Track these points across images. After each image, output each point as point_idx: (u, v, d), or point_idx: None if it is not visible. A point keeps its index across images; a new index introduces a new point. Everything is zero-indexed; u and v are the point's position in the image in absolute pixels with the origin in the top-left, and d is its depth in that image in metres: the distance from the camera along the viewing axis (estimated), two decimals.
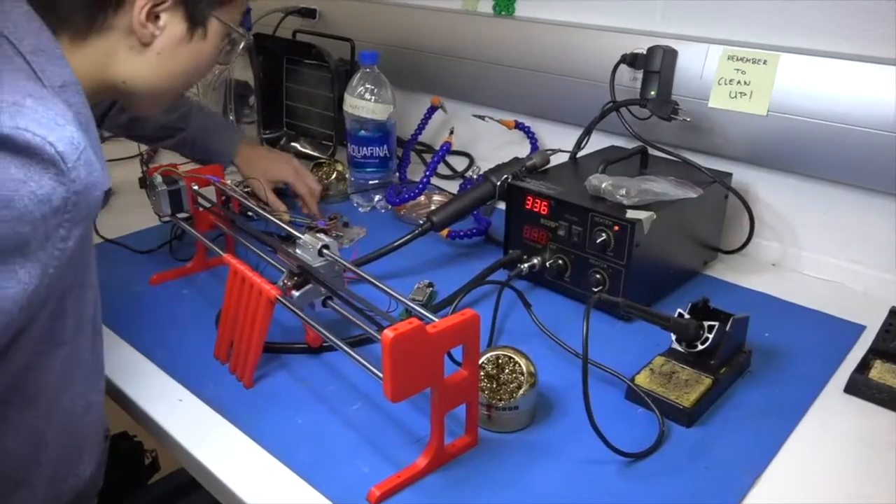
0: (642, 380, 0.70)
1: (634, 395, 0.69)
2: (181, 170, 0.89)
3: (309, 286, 0.70)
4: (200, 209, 0.90)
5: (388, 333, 0.53)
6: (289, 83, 1.32)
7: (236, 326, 0.72)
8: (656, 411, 0.66)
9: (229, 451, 0.63)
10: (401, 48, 1.29)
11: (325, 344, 0.76)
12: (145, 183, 1.01)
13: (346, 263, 0.72)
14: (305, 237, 0.72)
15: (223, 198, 0.91)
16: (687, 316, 0.71)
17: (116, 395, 0.73)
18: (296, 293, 0.69)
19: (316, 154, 1.28)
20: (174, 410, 0.68)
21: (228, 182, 0.92)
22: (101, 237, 1.02)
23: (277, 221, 0.79)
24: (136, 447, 1.06)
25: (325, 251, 0.71)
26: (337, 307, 0.70)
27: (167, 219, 0.89)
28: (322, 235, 0.73)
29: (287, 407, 0.69)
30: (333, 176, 1.15)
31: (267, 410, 0.68)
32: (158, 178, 0.86)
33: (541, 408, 0.68)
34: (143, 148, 1.38)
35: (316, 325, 0.67)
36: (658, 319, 0.67)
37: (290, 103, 1.33)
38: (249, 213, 1.00)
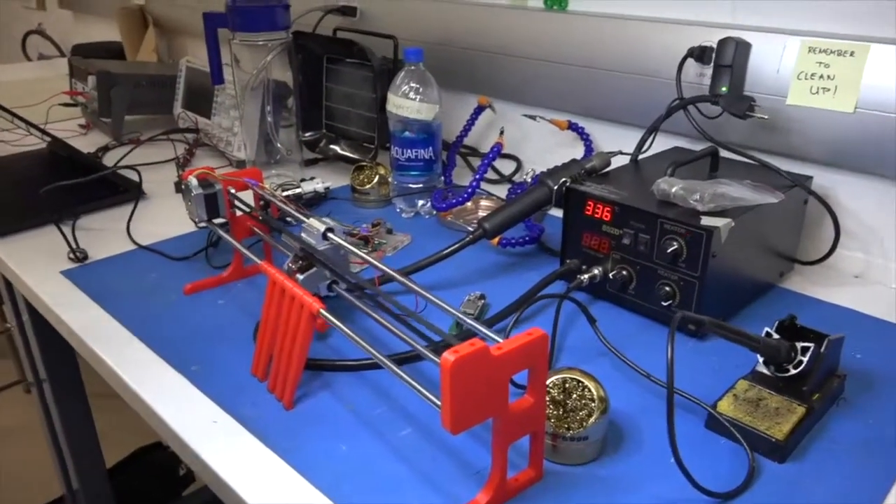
0: (725, 407, 0.62)
1: (717, 424, 0.61)
2: (218, 173, 0.84)
3: (314, 269, 0.69)
4: (237, 214, 0.85)
5: (449, 357, 0.46)
6: (329, 83, 1.27)
7: (275, 341, 0.67)
8: (744, 444, 0.59)
9: (268, 481, 0.57)
10: (445, 46, 1.22)
11: (369, 360, 0.69)
12: (180, 187, 0.97)
13: (393, 274, 0.66)
14: (310, 220, 0.72)
15: (261, 202, 0.85)
16: (775, 335, 0.63)
17: (147, 413, 0.67)
18: (300, 276, 0.68)
19: (357, 157, 1.22)
20: (209, 433, 0.62)
21: (267, 186, 0.86)
22: (136, 244, 0.97)
23: (350, 247, 0.73)
24: (170, 458, 1.01)
25: (328, 234, 0.71)
26: (342, 291, 0.68)
27: (203, 224, 0.83)
28: (327, 220, 0.73)
29: (330, 431, 0.62)
30: (375, 180, 1.09)
31: (308, 435, 0.62)
32: (194, 182, 0.81)
33: (611, 437, 0.61)
34: (180, 151, 1.34)
35: (360, 341, 0.60)
36: (746, 340, 0.59)
37: (329, 104, 1.28)
38: (289, 219, 0.95)
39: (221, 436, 0.62)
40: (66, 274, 0.90)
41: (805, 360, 0.62)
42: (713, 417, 0.61)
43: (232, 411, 0.65)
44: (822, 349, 0.62)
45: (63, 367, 1.22)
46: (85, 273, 0.90)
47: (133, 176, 1.11)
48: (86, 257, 0.93)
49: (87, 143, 1.40)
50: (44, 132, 1.29)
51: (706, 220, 0.72)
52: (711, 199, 0.73)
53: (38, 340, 1.19)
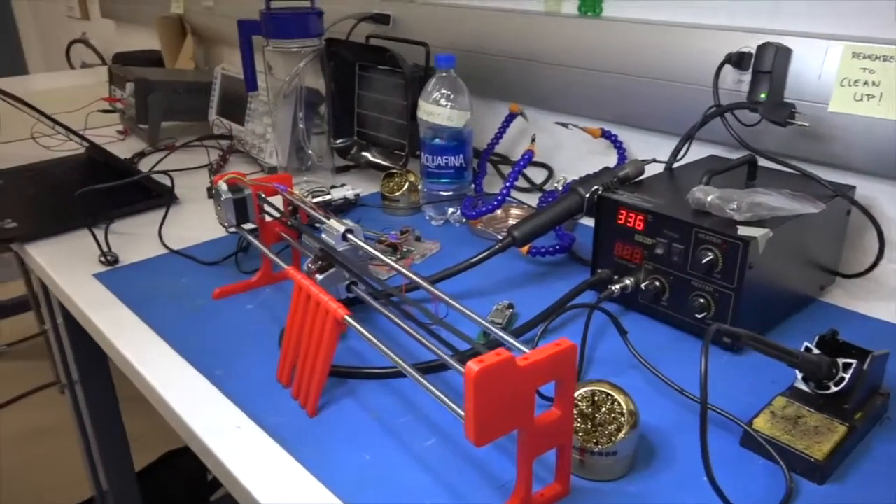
0: (762, 424, 0.60)
1: (753, 442, 0.59)
2: (248, 178, 0.84)
3: (332, 270, 0.69)
4: (267, 220, 0.85)
5: (473, 366, 0.45)
6: (361, 90, 1.27)
7: (300, 347, 0.66)
8: (782, 463, 0.56)
9: (289, 488, 0.56)
10: (478, 53, 1.22)
11: (394, 368, 0.68)
12: (212, 193, 0.97)
13: (419, 281, 0.65)
14: (330, 221, 0.74)
15: (290, 208, 0.85)
16: (816, 351, 0.61)
17: (170, 416, 0.67)
18: (319, 276, 0.69)
19: (388, 164, 1.22)
20: (231, 438, 0.62)
21: (296, 192, 0.86)
22: (167, 248, 0.98)
23: (370, 249, 0.73)
24: (199, 463, 1.02)
25: (348, 235, 0.72)
26: (361, 293, 0.69)
27: (233, 229, 0.84)
28: (348, 221, 0.74)
29: (354, 440, 0.61)
30: (405, 187, 1.09)
31: (332, 443, 0.61)
32: (224, 186, 0.81)
33: (642, 453, 0.59)
34: (213, 158, 1.36)
35: (385, 349, 0.59)
36: (784, 355, 0.57)
37: (361, 111, 1.28)
38: (318, 225, 0.94)
39: (244, 441, 0.61)
40: (99, 277, 0.91)
41: (847, 377, 0.59)
42: (749, 435, 0.59)
43: (255, 417, 0.64)
44: (866, 366, 0.59)
45: (94, 370, 1.23)
46: (116, 276, 0.91)
47: (166, 181, 1.12)
48: (116, 261, 0.94)
49: (124, 149, 1.42)
50: (82, 138, 1.31)
51: (743, 230, 0.69)
52: (749, 208, 0.71)
53: (70, 343, 1.21)
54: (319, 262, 0.69)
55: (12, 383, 2.19)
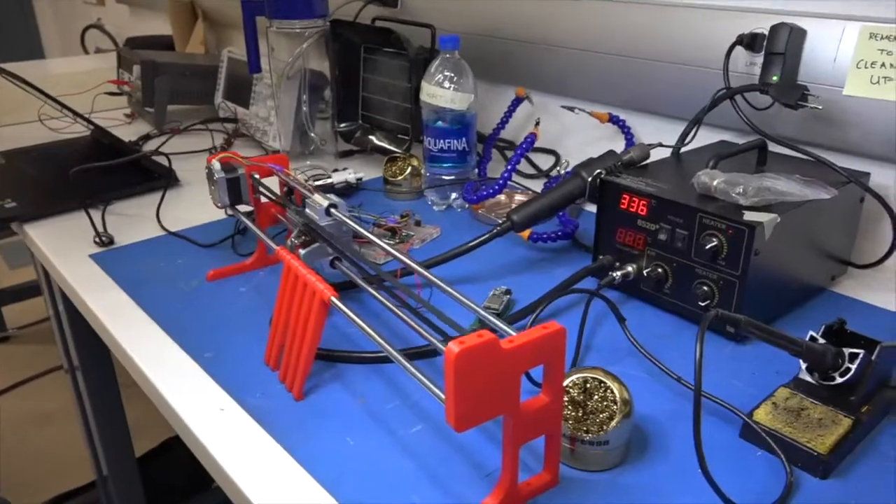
0: (763, 416, 0.57)
1: (752, 434, 0.56)
2: (244, 159, 0.83)
3: (316, 245, 0.68)
4: (263, 201, 0.83)
5: (453, 347, 0.43)
6: (366, 73, 1.25)
7: (287, 329, 0.64)
8: (782, 456, 0.54)
9: (268, 472, 0.55)
10: (486, 37, 1.19)
11: (381, 353, 0.67)
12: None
13: (413, 265, 0.63)
14: (314, 196, 0.71)
15: (285, 189, 0.83)
16: (821, 340, 0.58)
17: (155, 396, 0.66)
18: (302, 251, 0.68)
19: (392, 148, 1.20)
20: (214, 420, 0.61)
21: (292, 173, 0.84)
22: (165, 229, 0.97)
23: (354, 225, 0.71)
24: None
25: (332, 210, 0.70)
26: (345, 269, 0.68)
27: (229, 212, 0.82)
28: (332, 196, 0.72)
29: (338, 424, 0.60)
30: (407, 171, 1.07)
31: (315, 427, 0.59)
32: (217, 166, 0.79)
33: (635, 443, 0.57)
34: (218, 141, 1.35)
35: (370, 331, 0.58)
36: (787, 343, 0.54)
37: (366, 95, 1.26)
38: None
39: (226, 423, 0.60)
40: (94, 258, 0.90)
41: (854, 367, 0.56)
42: (748, 426, 0.57)
43: (240, 400, 0.63)
44: (874, 356, 0.57)
45: (95, 355, 1.23)
46: (112, 257, 0.90)
47: (168, 163, 1.11)
48: (111, 241, 0.93)
49: (130, 132, 1.42)
50: (86, 120, 1.30)
51: (749, 215, 0.67)
52: (756, 192, 0.68)
53: (71, 327, 1.20)
54: (303, 238, 0.68)
55: (22, 367, 2.21)
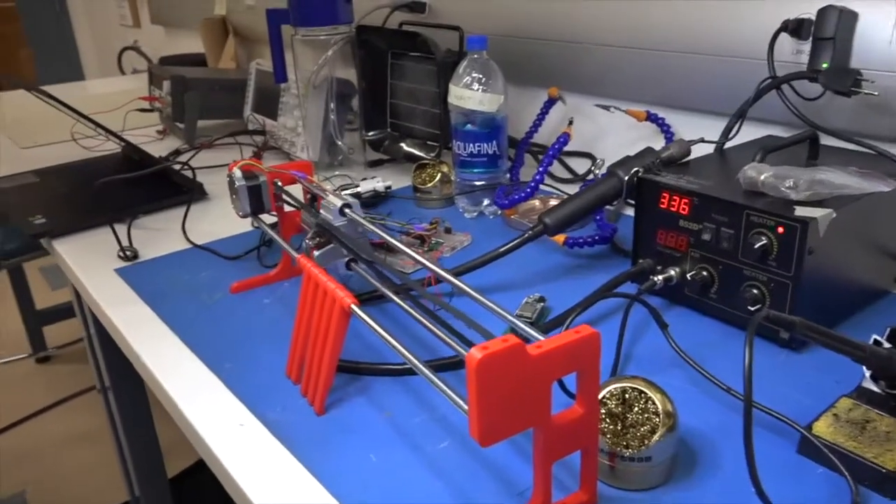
0: (823, 429, 0.53)
1: (812, 448, 0.52)
2: (265, 166, 0.81)
3: (330, 246, 0.67)
4: (286, 210, 0.82)
5: (475, 353, 0.40)
6: (393, 80, 1.23)
7: (308, 341, 0.62)
8: (846, 474, 0.49)
9: (287, 490, 0.52)
10: (515, 38, 1.17)
11: (405, 365, 0.64)
12: None
13: (439, 271, 0.60)
14: (329, 197, 0.70)
15: (309, 196, 0.81)
16: (886, 344, 0.53)
17: (173, 410, 0.64)
18: (316, 253, 0.67)
19: (422, 155, 1.18)
20: (233, 436, 0.58)
21: (316, 180, 0.83)
22: (190, 242, 0.96)
23: (369, 226, 0.69)
24: None
25: (346, 210, 0.69)
26: (361, 271, 0.66)
27: (256, 225, 0.81)
28: (347, 196, 0.70)
29: (362, 440, 0.57)
30: (437, 178, 1.04)
31: (337, 443, 0.57)
32: (238, 174, 0.78)
33: (681, 460, 0.53)
34: (247, 154, 1.34)
35: (393, 341, 0.55)
36: (849, 348, 0.50)
37: (394, 101, 1.24)
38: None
39: (245, 439, 0.58)
40: (119, 272, 0.89)
41: None
42: (807, 441, 0.52)
43: (260, 414, 0.61)
44: None
45: (125, 374, 1.22)
46: (137, 271, 0.89)
47: (196, 177, 1.10)
48: (136, 256, 0.92)
49: (161, 148, 1.42)
50: (118, 137, 1.31)
51: (801, 211, 0.62)
52: (808, 186, 0.64)
53: (101, 346, 1.21)
54: (317, 239, 0.66)
55: (61, 387, 2.24)
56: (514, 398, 0.42)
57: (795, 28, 0.79)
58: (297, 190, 0.82)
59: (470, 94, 0.94)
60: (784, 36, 0.81)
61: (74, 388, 2.08)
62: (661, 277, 0.72)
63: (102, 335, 1.19)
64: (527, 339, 0.45)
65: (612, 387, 0.52)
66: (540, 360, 0.42)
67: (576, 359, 0.44)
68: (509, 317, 0.51)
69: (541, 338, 0.46)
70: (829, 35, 0.75)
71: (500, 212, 0.99)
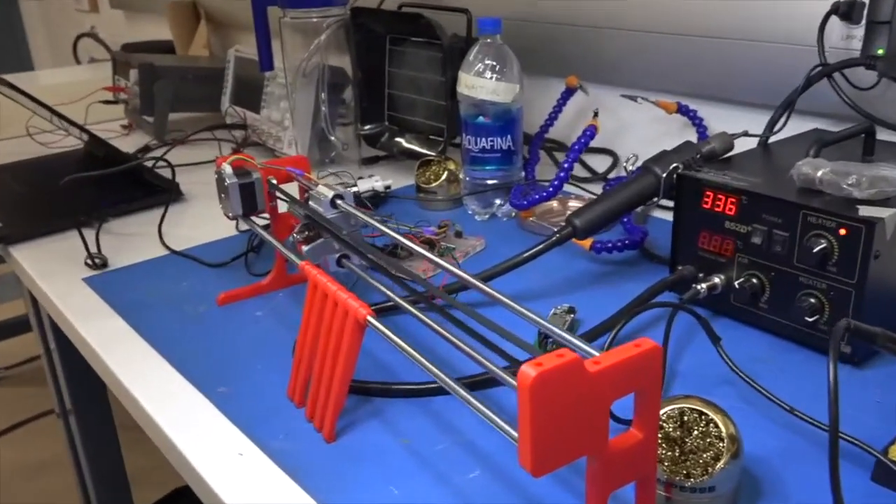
0: None
1: (889, 476, 0.51)
2: (258, 161, 0.79)
3: (321, 240, 0.67)
4: (280, 211, 0.80)
5: (529, 371, 0.38)
6: (392, 68, 1.22)
7: (315, 358, 0.60)
8: None
9: None
10: (529, 22, 1.16)
11: (430, 384, 0.62)
12: None
13: (472, 280, 0.58)
14: (318, 188, 0.70)
15: (306, 195, 0.79)
16: None
17: (161, 440, 0.62)
18: (305, 248, 0.67)
19: (424, 151, 1.16)
20: (231, 468, 0.56)
21: (314, 177, 0.81)
22: (168, 248, 0.94)
23: (378, 225, 0.67)
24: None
25: (337, 202, 0.68)
26: (354, 267, 0.67)
27: (244, 228, 0.79)
28: (339, 187, 0.71)
29: (379, 470, 0.55)
30: (443, 176, 1.03)
31: (352, 474, 0.55)
32: (228, 170, 0.76)
33: (743, 489, 0.52)
34: (226, 151, 1.32)
35: (421, 358, 0.53)
36: None
37: (393, 92, 1.23)
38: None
39: (245, 471, 0.56)
40: (88, 281, 0.87)
41: None
42: (884, 467, 0.51)
43: (261, 443, 0.59)
44: None
45: (90, 395, 1.20)
46: (109, 280, 0.87)
47: (171, 175, 1.08)
48: (105, 264, 0.90)
49: (128, 144, 1.40)
50: (80, 128, 1.29)
51: (865, 210, 0.61)
52: (871, 183, 0.63)
53: (63, 365, 1.18)
54: (306, 233, 0.66)
55: (11, 412, 2.19)
56: (571, 422, 0.40)
57: (846, 11, 0.79)
58: (292, 189, 0.80)
59: (483, 83, 0.93)
60: (833, 19, 0.81)
61: (26, 414, 2.04)
62: (704, 286, 0.71)
63: (65, 353, 1.16)
64: (577, 352, 0.43)
65: (668, 408, 0.50)
66: (599, 377, 0.41)
67: (637, 376, 0.42)
68: (557, 330, 0.49)
69: (592, 351, 0.45)
70: (885, 19, 0.75)
71: (514, 213, 0.98)
